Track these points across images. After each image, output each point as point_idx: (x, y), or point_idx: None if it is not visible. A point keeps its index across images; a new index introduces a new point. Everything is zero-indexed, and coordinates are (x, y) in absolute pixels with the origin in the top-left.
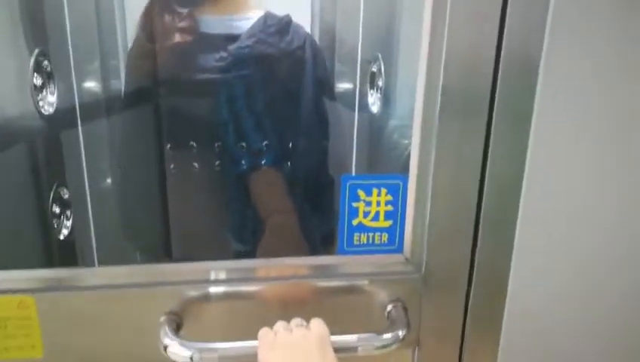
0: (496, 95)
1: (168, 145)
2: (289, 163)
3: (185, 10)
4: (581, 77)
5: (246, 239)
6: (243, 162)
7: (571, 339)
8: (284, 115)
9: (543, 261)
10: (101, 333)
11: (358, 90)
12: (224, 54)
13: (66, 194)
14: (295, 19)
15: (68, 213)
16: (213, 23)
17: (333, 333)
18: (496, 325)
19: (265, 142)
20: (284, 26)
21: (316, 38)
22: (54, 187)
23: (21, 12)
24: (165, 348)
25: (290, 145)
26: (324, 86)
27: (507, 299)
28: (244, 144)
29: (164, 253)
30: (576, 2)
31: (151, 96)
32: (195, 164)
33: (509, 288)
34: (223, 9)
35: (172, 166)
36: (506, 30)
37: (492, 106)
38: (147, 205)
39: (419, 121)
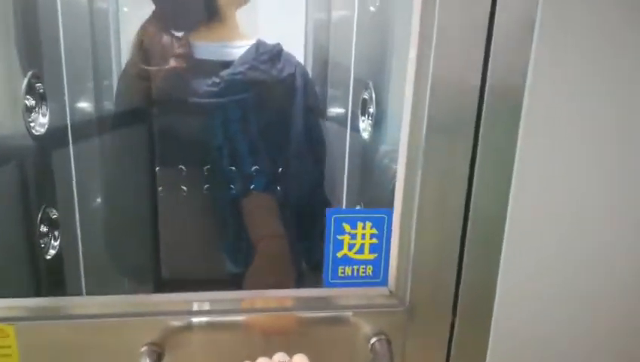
0: (481, 129)
1: (157, 168)
2: (279, 187)
3: (180, 35)
4: (565, 102)
5: (238, 262)
6: (233, 186)
7: None
8: (275, 140)
9: (528, 292)
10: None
11: (350, 117)
12: (217, 80)
13: (54, 214)
14: (289, 46)
15: (56, 233)
16: (207, 48)
17: None
18: (481, 357)
19: (255, 167)
20: (275, 54)
21: (309, 64)
22: (43, 207)
23: (16, 35)
24: None
25: (281, 170)
26: (315, 112)
27: (491, 331)
28: (234, 168)
29: (152, 276)
30: (560, 30)
31: (141, 117)
32: (184, 187)
33: (493, 320)
34: (217, 36)
35: (160, 188)
36: (490, 58)
37: (477, 141)
38: (134, 227)
39: (404, 157)
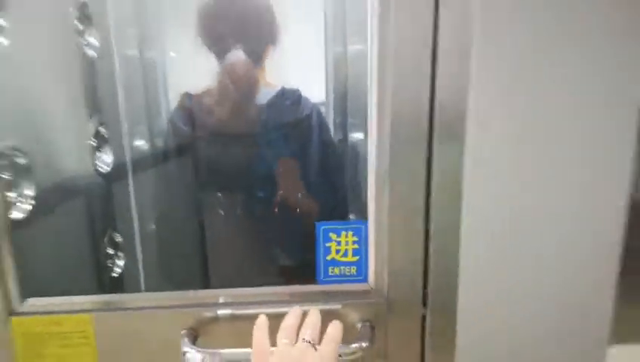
0: (434, 140)
1: (200, 193)
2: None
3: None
4: (501, 111)
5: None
6: (260, 208)
7: (515, 344)
8: (305, 168)
9: (485, 283)
10: (139, 344)
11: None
12: (250, 120)
13: (118, 238)
14: (311, 83)
15: (120, 254)
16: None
17: None
18: (451, 341)
19: (281, 192)
20: (296, 98)
21: (331, 98)
22: (109, 232)
23: (82, 91)
24: (184, 353)
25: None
26: (328, 142)
27: (457, 317)
28: (263, 193)
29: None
30: (494, 50)
31: (187, 152)
32: (221, 211)
33: (458, 308)
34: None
35: (205, 210)
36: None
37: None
38: (183, 243)
39: (372, 177)
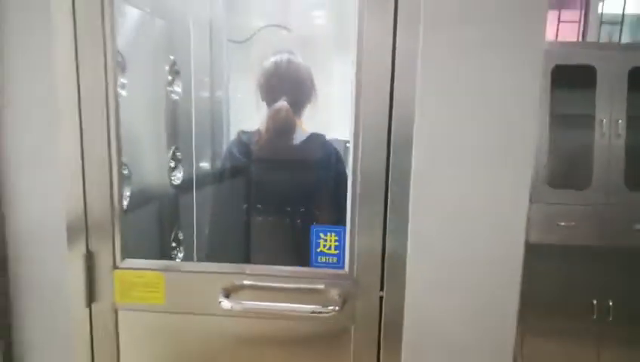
0: (391, 149)
1: (246, 204)
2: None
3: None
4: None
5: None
6: (288, 216)
7: (440, 324)
8: (318, 189)
9: (428, 275)
10: (192, 294)
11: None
12: (289, 156)
13: (181, 236)
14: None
15: (181, 248)
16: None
17: (301, 311)
18: (400, 310)
19: (303, 208)
20: (322, 141)
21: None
22: (174, 230)
23: (165, 124)
24: (220, 303)
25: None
26: (342, 172)
27: (405, 293)
28: (289, 207)
29: None
30: (438, 74)
31: (237, 172)
32: (259, 217)
33: (407, 286)
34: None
35: (246, 215)
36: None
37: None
38: (232, 238)
39: (350, 199)
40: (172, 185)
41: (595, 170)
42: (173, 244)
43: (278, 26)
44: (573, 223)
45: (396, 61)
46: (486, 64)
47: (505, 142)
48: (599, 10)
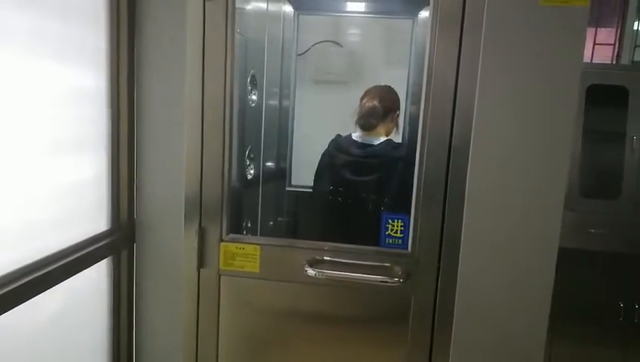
0: (452, 145)
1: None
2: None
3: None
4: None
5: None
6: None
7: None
8: (391, 184)
9: (483, 255)
10: (280, 265)
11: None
12: (370, 156)
13: (248, 223)
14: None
15: (249, 234)
16: (367, 139)
17: (372, 280)
18: (453, 281)
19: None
20: (396, 145)
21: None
22: (246, 220)
23: (238, 128)
24: (306, 271)
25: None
26: (408, 171)
27: (459, 271)
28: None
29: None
30: (493, 98)
31: (333, 165)
32: (339, 198)
33: (459, 268)
34: (372, 134)
35: (329, 198)
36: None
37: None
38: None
39: (415, 191)
40: (246, 179)
41: (625, 182)
42: (244, 231)
43: (332, 41)
44: (602, 231)
45: (459, 79)
46: (531, 78)
47: (546, 147)
48: (635, 27)
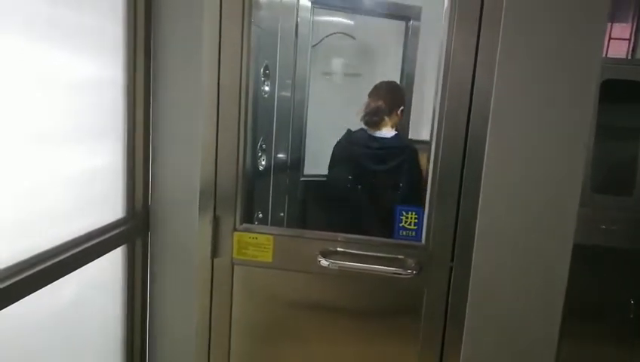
0: (468, 142)
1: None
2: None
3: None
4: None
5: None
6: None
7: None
8: (403, 177)
9: (497, 250)
10: (293, 255)
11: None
12: (380, 149)
13: (260, 214)
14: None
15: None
16: (378, 133)
17: (385, 271)
18: (466, 276)
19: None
20: (406, 141)
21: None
22: (257, 210)
23: (252, 120)
24: (319, 261)
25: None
26: (417, 162)
27: (472, 264)
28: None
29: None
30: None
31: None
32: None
33: (473, 263)
34: (382, 128)
35: (340, 189)
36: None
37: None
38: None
39: (430, 184)
40: (258, 169)
41: (638, 178)
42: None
43: (345, 33)
44: (614, 227)
45: (476, 72)
46: (550, 72)
47: (563, 142)
48: None
